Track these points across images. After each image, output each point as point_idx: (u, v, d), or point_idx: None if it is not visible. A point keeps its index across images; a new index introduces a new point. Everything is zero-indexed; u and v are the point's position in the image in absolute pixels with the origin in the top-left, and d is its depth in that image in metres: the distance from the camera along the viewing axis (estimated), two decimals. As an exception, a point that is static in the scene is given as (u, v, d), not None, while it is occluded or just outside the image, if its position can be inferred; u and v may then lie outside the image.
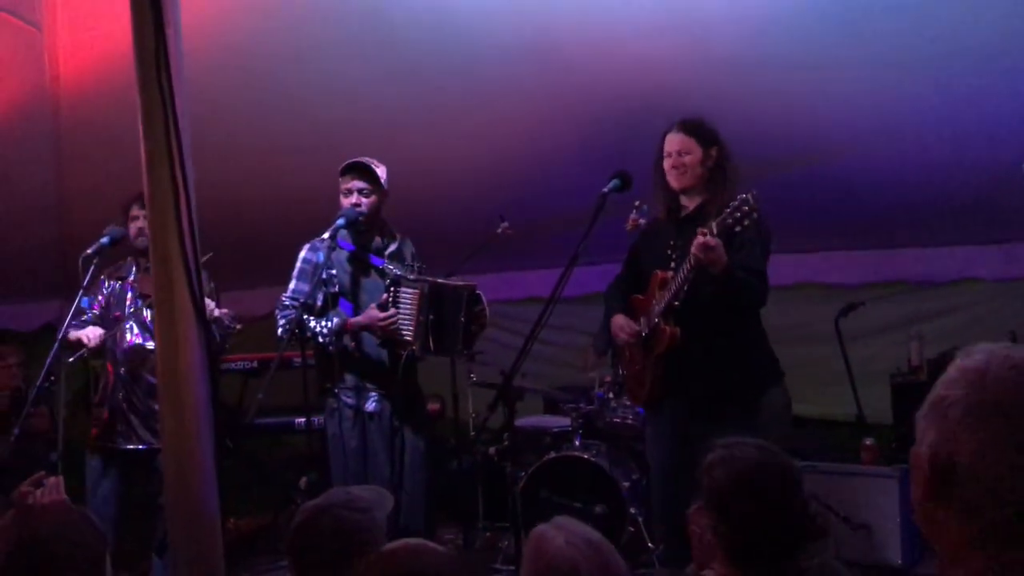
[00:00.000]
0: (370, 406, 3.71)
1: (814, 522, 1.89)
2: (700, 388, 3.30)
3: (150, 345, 3.76)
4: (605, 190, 3.25)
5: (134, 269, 3.92)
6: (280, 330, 3.67)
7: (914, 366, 4.85)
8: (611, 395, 4.70)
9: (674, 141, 3.33)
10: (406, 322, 3.61)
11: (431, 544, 1.69)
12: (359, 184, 3.70)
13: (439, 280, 3.76)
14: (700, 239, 3.02)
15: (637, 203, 3.56)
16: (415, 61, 4.64)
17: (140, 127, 2.01)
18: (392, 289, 3.63)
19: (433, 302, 3.63)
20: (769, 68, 4.43)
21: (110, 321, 3.87)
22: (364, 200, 3.70)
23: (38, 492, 2.47)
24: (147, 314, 3.78)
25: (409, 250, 3.93)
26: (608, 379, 4.78)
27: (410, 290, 3.63)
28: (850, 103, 4.59)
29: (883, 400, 4.93)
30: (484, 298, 3.82)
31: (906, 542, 4.13)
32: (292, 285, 3.74)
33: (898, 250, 5.53)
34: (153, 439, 3.78)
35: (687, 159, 3.29)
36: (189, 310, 1.97)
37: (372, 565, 1.59)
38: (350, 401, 3.71)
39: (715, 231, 3.03)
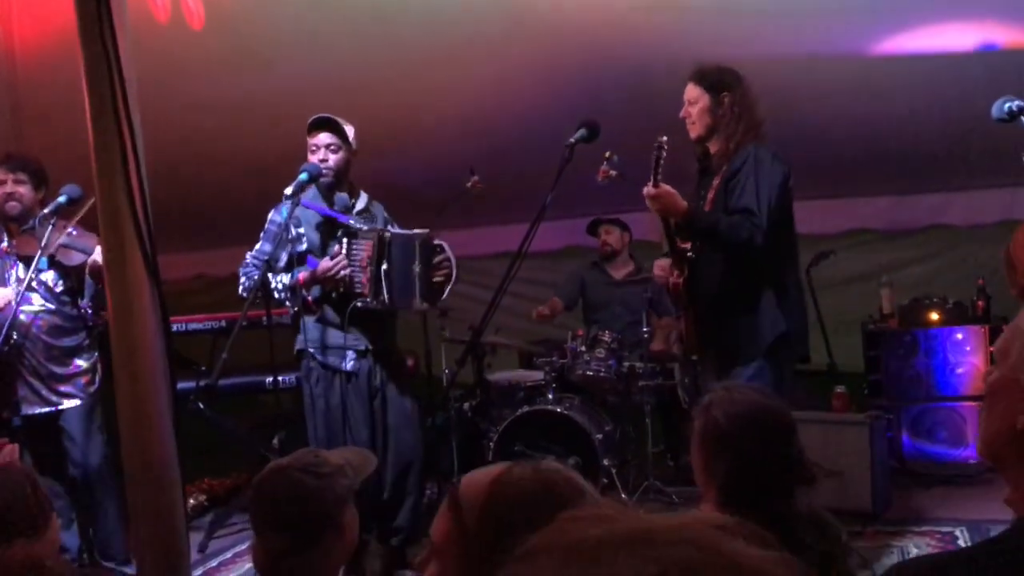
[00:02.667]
0: (347, 365, 3.65)
1: (807, 469, 1.89)
2: (715, 341, 3.28)
3: (37, 304, 3.70)
4: (572, 140, 3.18)
5: (5, 235, 3.78)
6: (241, 288, 3.65)
7: (885, 314, 4.86)
8: (583, 348, 4.69)
9: (687, 91, 3.27)
10: (358, 272, 3.55)
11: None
12: (326, 139, 3.63)
13: (390, 229, 3.67)
14: (644, 190, 3.06)
15: (607, 154, 3.49)
16: (382, 15, 4.55)
17: (84, 83, 1.94)
18: (344, 240, 3.55)
19: (385, 251, 3.55)
20: (740, 16, 4.38)
21: None
22: (332, 156, 3.64)
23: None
24: (24, 273, 3.65)
25: (381, 212, 3.86)
26: (580, 332, 4.78)
27: (362, 241, 3.56)
28: (821, 51, 4.55)
29: (854, 348, 4.95)
30: (448, 248, 3.73)
31: (876, 486, 4.18)
32: (258, 245, 3.70)
33: (868, 198, 5.53)
34: (59, 400, 3.75)
35: (694, 109, 3.23)
36: (141, 270, 1.92)
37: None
38: (325, 361, 3.66)
39: (654, 180, 3.04)
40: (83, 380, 3.83)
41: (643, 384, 4.60)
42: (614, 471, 4.40)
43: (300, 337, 3.70)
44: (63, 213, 3.61)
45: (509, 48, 4.69)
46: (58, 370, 3.77)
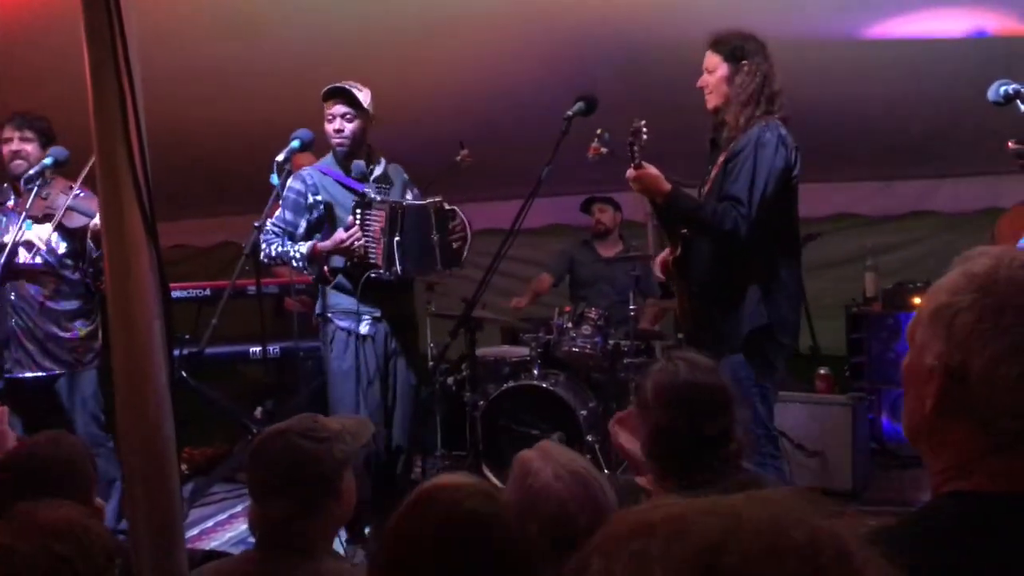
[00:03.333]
0: (364, 328, 3.71)
1: (728, 446, 1.91)
2: (694, 324, 3.24)
3: (39, 262, 3.66)
4: (569, 113, 3.16)
5: (12, 194, 3.75)
6: (263, 255, 3.67)
7: (869, 297, 4.90)
8: (570, 325, 4.70)
9: (706, 59, 3.16)
10: (372, 243, 3.56)
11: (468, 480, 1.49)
12: (341, 109, 3.68)
13: (406, 200, 3.69)
14: (627, 172, 3.03)
15: (599, 131, 3.45)
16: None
17: (83, 39, 1.89)
18: (358, 211, 3.56)
19: (399, 222, 3.57)
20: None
21: None
22: (347, 125, 3.68)
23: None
24: (30, 234, 3.63)
25: (400, 176, 3.88)
26: (567, 309, 4.78)
27: (376, 212, 3.58)
28: (811, 34, 4.54)
29: (837, 331, 5.00)
30: (460, 212, 3.75)
31: (856, 466, 4.24)
32: (278, 213, 3.71)
33: (854, 183, 5.56)
34: (54, 366, 3.71)
35: (710, 78, 3.13)
36: (140, 231, 1.89)
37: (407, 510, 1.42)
38: (343, 324, 3.72)
39: (634, 161, 2.99)
40: (80, 347, 3.78)
41: (628, 361, 4.61)
42: (597, 447, 4.42)
43: (319, 302, 3.79)
44: (53, 175, 3.57)
45: (502, 21, 4.64)
46: (59, 333, 3.72)
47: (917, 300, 4.74)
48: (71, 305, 3.76)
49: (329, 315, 3.74)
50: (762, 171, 2.98)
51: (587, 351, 4.63)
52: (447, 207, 3.69)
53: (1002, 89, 2.85)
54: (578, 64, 4.68)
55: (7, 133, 3.67)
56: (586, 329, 4.62)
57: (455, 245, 3.71)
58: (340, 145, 3.67)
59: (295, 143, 3.49)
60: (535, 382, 4.55)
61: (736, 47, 3.11)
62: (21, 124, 3.67)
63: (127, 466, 1.99)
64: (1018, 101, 2.80)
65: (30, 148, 3.66)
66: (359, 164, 3.72)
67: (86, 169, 3.43)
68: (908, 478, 4.49)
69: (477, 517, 1.36)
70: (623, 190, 5.10)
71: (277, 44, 4.73)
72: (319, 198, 3.67)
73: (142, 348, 1.91)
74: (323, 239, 3.64)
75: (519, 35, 4.70)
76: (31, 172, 3.51)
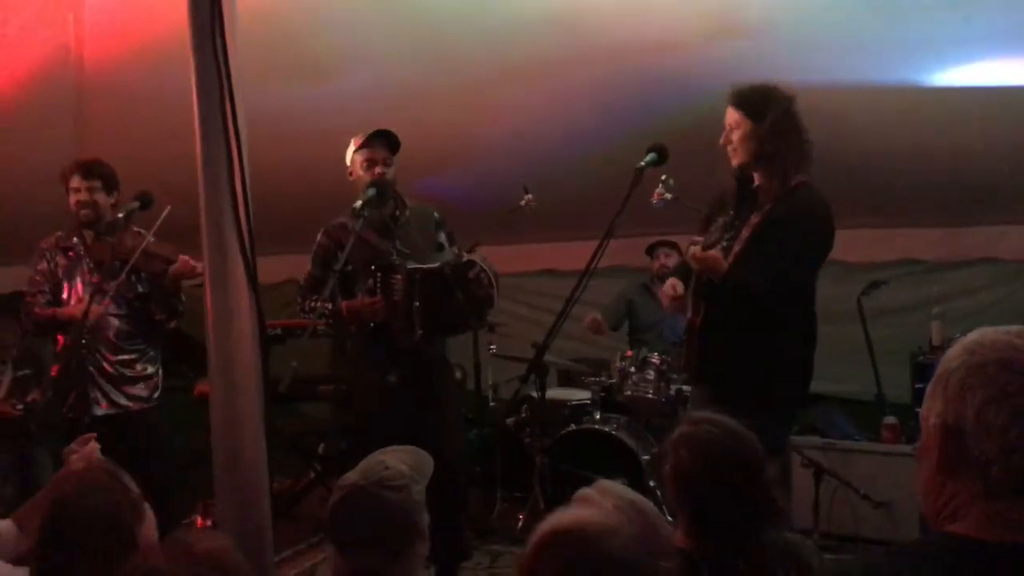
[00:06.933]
0: (390, 378, 3.66)
1: (771, 506, 1.94)
2: (715, 376, 3.16)
3: (110, 305, 3.75)
4: (642, 164, 3.14)
5: (80, 241, 3.84)
6: (299, 309, 3.75)
7: (935, 346, 4.84)
8: (632, 369, 4.70)
9: (727, 115, 3.12)
10: (393, 308, 3.55)
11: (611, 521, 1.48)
12: (383, 153, 3.66)
13: (416, 264, 3.60)
14: (691, 251, 3.01)
15: (664, 177, 3.44)
16: (440, 33, 4.60)
17: (193, 91, 1.99)
18: (378, 275, 3.56)
19: (416, 287, 3.54)
20: (795, 41, 4.39)
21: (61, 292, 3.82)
22: (388, 170, 3.67)
23: (74, 455, 2.50)
24: (94, 277, 3.74)
25: (430, 218, 3.81)
26: (629, 353, 4.78)
27: (396, 276, 3.56)
28: (877, 81, 4.56)
29: (902, 379, 4.93)
30: (479, 258, 3.66)
31: (925, 519, 4.15)
32: (309, 268, 3.76)
33: (919, 229, 5.51)
34: (128, 403, 3.81)
35: (734, 135, 3.07)
36: (242, 278, 1.96)
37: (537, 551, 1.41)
38: (371, 371, 3.69)
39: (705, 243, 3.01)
40: (148, 386, 3.89)
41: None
42: (659, 493, 4.39)
43: (345, 349, 3.82)
44: (134, 219, 3.69)
45: (566, 68, 4.72)
46: (127, 373, 3.83)
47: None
48: (139, 346, 3.87)
49: (354, 363, 3.76)
50: (813, 247, 3.04)
51: (649, 396, 4.62)
52: (464, 259, 3.62)
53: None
54: (639, 110, 4.73)
55: (75, 183, 3.77)
56: (649, 374, 4.61)
57: (481, 294, 3.60)
58: (384, 189, 3.63)
59: (371, 191, 3.55)
60: (597, 426, 4.55)
61: (757, 102, 3.03)
62: (88, 173, 3.77)
63: (220, 504, 2.05)
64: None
65: (98, 197, 3.77)
66: (389, 210, 3.70)
67: (160, 219, 3.54)
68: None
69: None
70: (679, 233, 5.13)
71: (344, 86, 4.85)
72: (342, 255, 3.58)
73: (241, 393, 1.98)
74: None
75: (582, 81, 4.78)
76: (120, 215, 3.63)
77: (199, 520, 4.23)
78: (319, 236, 3.73)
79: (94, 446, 2.51)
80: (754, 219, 3.07)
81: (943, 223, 5.41)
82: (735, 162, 3.11)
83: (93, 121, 5.02)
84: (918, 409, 4.11)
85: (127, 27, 4.35)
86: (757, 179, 3.11)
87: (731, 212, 3.16)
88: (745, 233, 3.08)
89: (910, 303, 5.39)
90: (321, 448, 5.23)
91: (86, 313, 3.56)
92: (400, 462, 2.09)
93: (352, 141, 3.73)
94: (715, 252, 3.04)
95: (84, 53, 4.59)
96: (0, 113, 4.70)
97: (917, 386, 4.85)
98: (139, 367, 3.87)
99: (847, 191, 5.22)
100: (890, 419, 4.43)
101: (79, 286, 3.81)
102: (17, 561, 2.08)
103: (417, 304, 3.54)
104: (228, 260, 1.95)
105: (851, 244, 5.46)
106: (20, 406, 5.16)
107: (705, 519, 1.93)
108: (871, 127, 4.72)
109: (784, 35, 4.37)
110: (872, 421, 4.54)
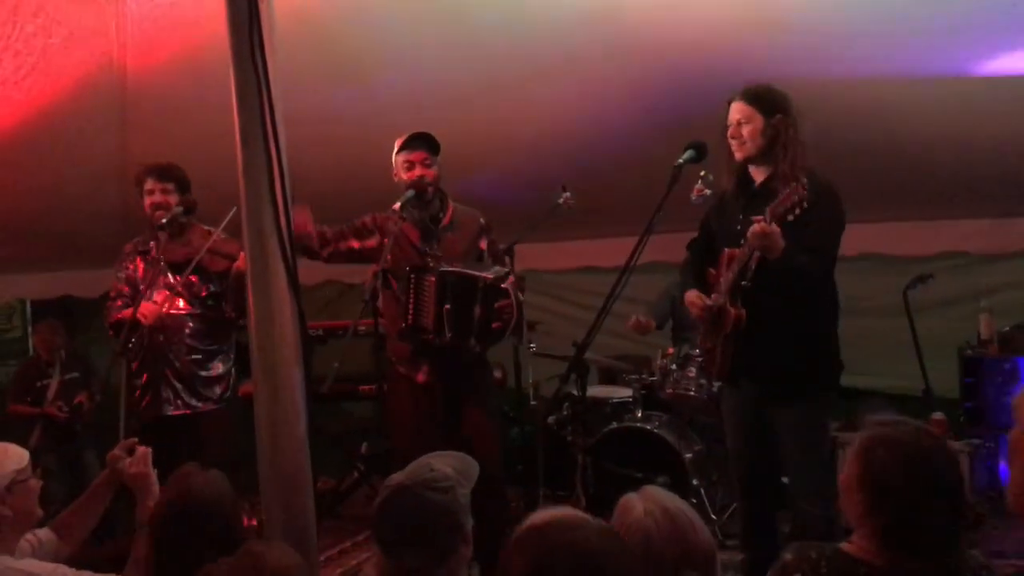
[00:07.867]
0: (421, 377, 3.73)
1: (972, 511, 1.82)
2: (767, 371, 3.23)
3: (182, 304, 3.85)
4: (680, 161, 3.18)
5: (154, 243, 3.91)
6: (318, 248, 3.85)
7: (984, 340, 4.75)
8: (674, 366, 4.68)
9: (735, 110, 3.26)
10: (426, 310, 3.61)
11: (581, 515, 1.55)
12: (422, 155, 3.71)
13: (453, 268, 3.64)
14: (756, 227, 3.01)
15: (703, 172, 3.46)
16: (477, 33, 4.60)
17: (234, 101, 2.02)
18: (413, 277, 3.62)
19: (448, 291, 3.58)
20: (836, 32, 4.33)
21: (140, 294, 3.88)
22: (428, 172, 3.71)
23: (127, 460, 2.55)
24: (171, 278, 3.85)
25: (474, 222, 3.86)
26: (671, 351, 4.76)
27: (430, 277, 3.62)
28: (918, 71, 4.48)
29: (950, 373, 4.85)
30: (514, 292, 3.67)
31: (975, 517, 4.09)
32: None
33: (965, 220, 5.42)
34: (200, 403, 3.87)
35: (745, 129, 3.21)
36: (283, 283, 1.99)
37: (521, 542, 1.48)
38: (404, 371, 3.76)
39: (770, 219, 2.98)
40: (220, 385, 3.96)
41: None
42: (703, 491, 4.37)
43: (385, 346, 3.85)
44: (190, 221, 3.83)
45: (603, 66, 4.70)
46: (200, 373, 3.89)
47: (1035, 343, 4.58)
48: (213, 345, 3.94)
49: (393, 359, 3.80)
50: (837, 223, 3.19)
51: (691, 393, 4.60)
52: (502, 286, 3.63)
53: None
54: (677, 106, 4.70)
55: (149, 185, 3.86)
56: (691, 371, 4.59)
57: (495, 325, 3.62)
58: (422, 191, 3.70)
59: (411, 193, 3.60)
60: (639, 424, 4.53)
61: (769, 100, 3.20)
62: (162, 176, 3.85)
63: (266, 505, 2.08)
64: None
65: (171, 200, 3.85)
66: (432, 211, 3.77)
67: (227, 218, 3.58)
68: (1029, 528, 4.31)
69: (588, 552, 1.40)
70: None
71: (383, 87, 4.88)
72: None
73: (284, 394, 2.01)
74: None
75: (619, 79, 4.76)
76: (164, 220, 3.69)
77: (244, 520, 4.29)
78: (367, 215, 3.82)
79: (145, 450, 2.56)
80: (780, 206, 3.05)
81: (990, 214, 5.31)
82: (740, 155, 3.26)
83: (137, 128, 5.09)
84: (967, 404, 4.14)
85: (168, 36, 4.40)
86: (757, 173, 3.26)
87: (741, 206, 3.28)
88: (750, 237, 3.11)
89: (957, 296, 5.30)
90: (364, 447, 5.28)
91: (136, 313, 3.63)
92: (446, 465, 2.11)
93: (395, 143, 3.78)
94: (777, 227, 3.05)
95: (127, 62, 4.65)
96: (46, 122, 4.78)
97: (965, 381, 4.77)
98: (212, 365, 3.93)
99: (891, 184, 5.17)
100: (938, 415, 4.36)
101: (159, 287, 3.88)
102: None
103: (447, 307, 3.57)
104: (269, 264, 1.98)
105: (896, 237, 5.41)
106: (67, 408, 5.31)
107: (902, 530, 1.75)
108: (915, 118, 4.64)
109: (824, 27, 4.30)
110: (919, 416, 4.46)
